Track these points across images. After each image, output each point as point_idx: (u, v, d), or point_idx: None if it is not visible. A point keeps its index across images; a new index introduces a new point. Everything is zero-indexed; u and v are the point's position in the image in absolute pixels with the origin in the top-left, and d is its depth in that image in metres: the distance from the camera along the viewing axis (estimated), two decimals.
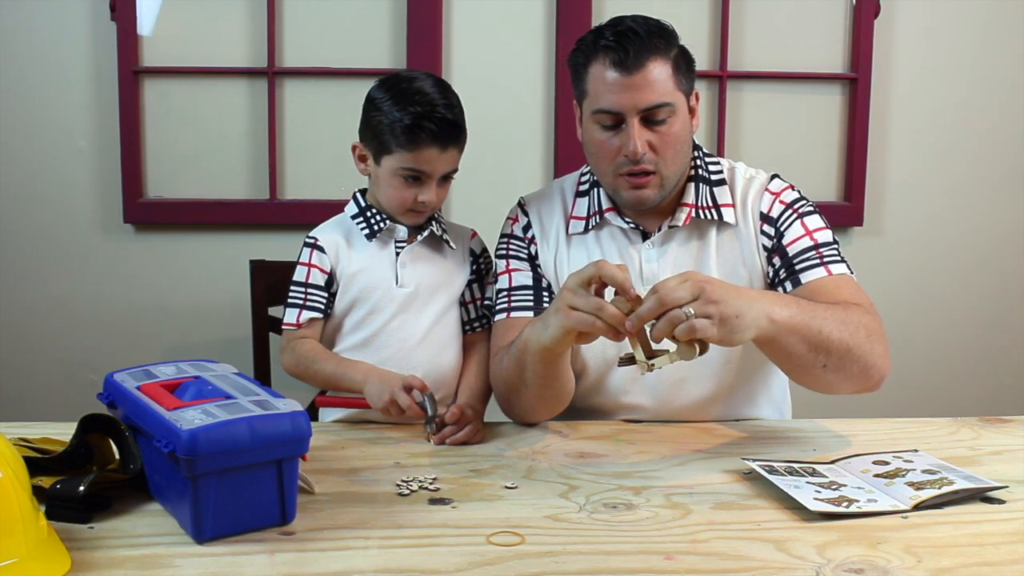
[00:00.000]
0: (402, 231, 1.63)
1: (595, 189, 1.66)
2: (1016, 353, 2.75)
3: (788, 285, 1.57)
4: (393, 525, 1.17)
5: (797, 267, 1.56)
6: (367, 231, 1.63)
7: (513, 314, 1.64)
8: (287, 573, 1.05)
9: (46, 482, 1.16)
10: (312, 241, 1.65)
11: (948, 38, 2.61)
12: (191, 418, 1.10)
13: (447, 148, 1.56)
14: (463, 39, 2.49)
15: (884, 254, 2.65)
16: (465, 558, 1.08)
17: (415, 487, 1.29)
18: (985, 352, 2.74)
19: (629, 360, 1.34)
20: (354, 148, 1.64)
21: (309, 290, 1.63)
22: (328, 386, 1.63)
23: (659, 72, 1.50)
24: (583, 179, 1.70)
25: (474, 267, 1.70)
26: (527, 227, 1.70)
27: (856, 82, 2.56)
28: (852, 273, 1.58)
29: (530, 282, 1.66)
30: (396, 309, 1.62)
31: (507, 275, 1.67)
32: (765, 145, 2.58)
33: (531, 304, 1.64)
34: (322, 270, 1.63)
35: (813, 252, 1.57)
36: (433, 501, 1.25)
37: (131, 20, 2.39)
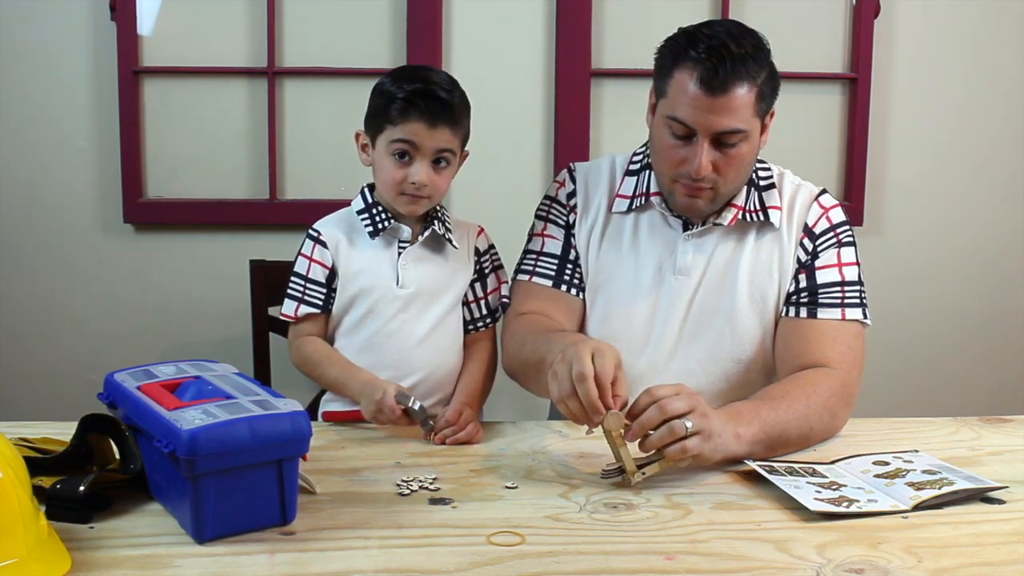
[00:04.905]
0: (406, 231, 1.62)
1: (646, 171, 1.67)
2: (1016, 353, 2.75)
3: (803, 312, 1.59)
4: (393, 525, 1.17)
5: (819, 300, 1.59)
6: (370, 228, 1.61)
7: (535, 279, 1.68)
8: (287, 573, 1.05)
9: (46, 482, 1.16)
10: (315, 235, 1.63)
11: (948, 38, 2.61)
12: (191, 418, 1.10)
13: (436, 124, 1.55)
14: (463, 39, 2.49)
15: (884, 254, 2.65)
16: (465, 558, 1.08)
17: (415, 487, 1.29)
18: (985, 352, 2.74)
19: (616, 471, 1.32)
20: (357, 136, 1.63)
21: (308, 285, 1.62)
22: (333, 390, 1.62)
23: (742, 99, 1.48)
24: (635, 158, 1.71)
25: (477, 266, 1.69)
26: (572, 194, 1.71)
27: (856, 82, 2.55)
28: (866, 318, 1.60)
29: (559, 251, 1.69)
30: (396, 310, 1.61)
31: (541, 238, 1.71)
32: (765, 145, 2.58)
33: (553, 273, 1.68)
34: (323, 265, 1.62)
35: (837, 289, 1.59)
36: (433, 501, 1.25)
37: (131, 20, 2.39)
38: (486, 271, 1.71)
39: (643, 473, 1.29)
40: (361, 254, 1.62)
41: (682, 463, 1.30)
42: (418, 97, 1.54)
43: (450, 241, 1.64)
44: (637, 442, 1.31)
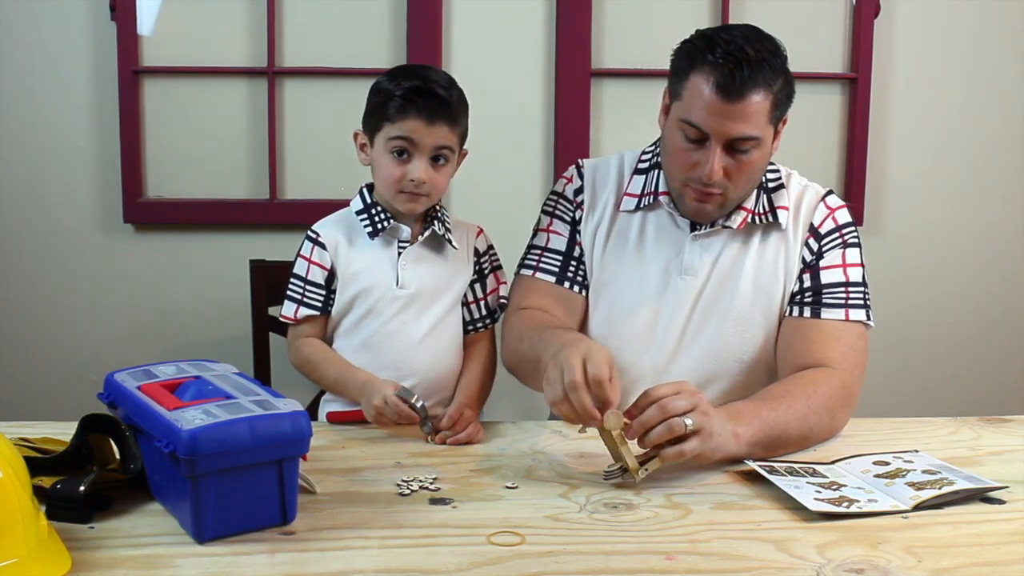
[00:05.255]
0: (405, 231, 1.62)
1: (655, 170, 1.67)
2: (1016, 353, 2.75)
3: (807, 311, 1.60)
4: (393, 525, 1.17)
5: (823, 300, 1.59)
6: (370, 228, 1.61)
7: (538, 274, 1.69)
8: (287, 573, 1.05)
9: (46, 482, 1.16)
10: (314, 236, 1.63)
11: (948, 38, 2.61)
12: (191, 418, 1.10)
13: (435, 122, 1.54)
14: (463, 39, 2.49)
15: (884, 254, 2.65)
16: (465, 558, 1.08)
17: (415, 487, 1.29)
18: (985, 352, 2.74)
19: (618, 471, 1.31)
20: (355, 136, 1.63)
21: (307, 287, 1.62)
22: (333, 391, 1.63)
23: (758, 107, 1.48)
24: (644, 156, 1.71)
25: (477, 267, 1.69)
26: (579, 191, 1.71)
27: (856, 82, 2.56)
28: (869, 319, 1.60)
29: (563, 248, 1.69)
30: (396, 310, 1.61)
31: (546, 234, 1.71)
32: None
33: (557, 270, 1.68)
34: (322, 267, 1.62)
35: (841, 290, 1.59)
36: (433, 501, 1.25)
37: (131, 20, 2.39)
38: (485, 272, 1.70)
39: (645, 470, 1.29)
40: (360, 255, 1.62)
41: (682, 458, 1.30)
42: (416, 94, 1.54)
43: (450, 241, 1.64)
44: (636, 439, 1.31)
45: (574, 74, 2.49)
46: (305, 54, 2.47)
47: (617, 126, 2.53)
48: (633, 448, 1.31)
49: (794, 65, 2.45)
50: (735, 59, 1.45)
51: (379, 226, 1.61)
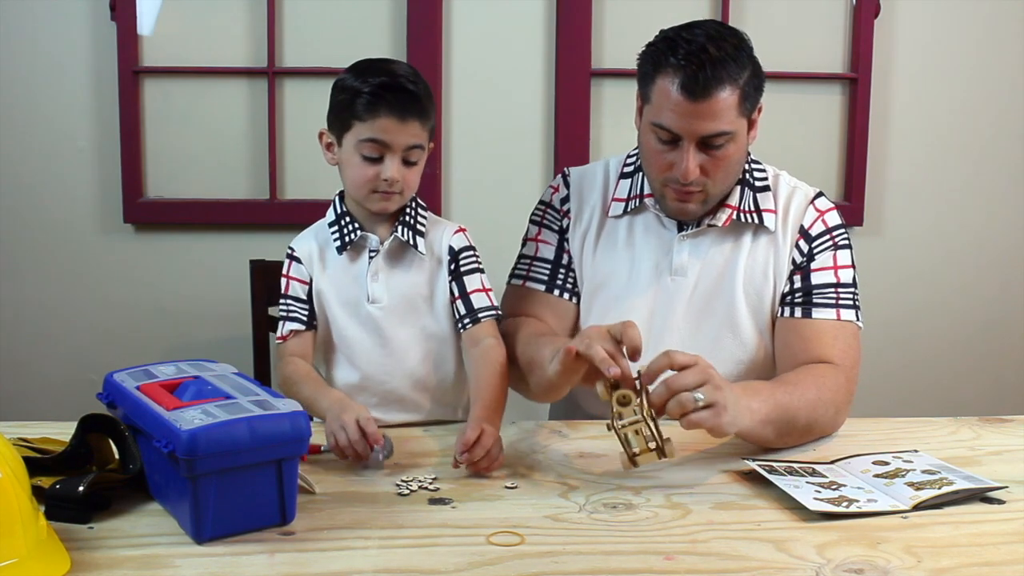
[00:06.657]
0: (374, 240, 1.56)
1: (640, 173, 1.67)
2: (1016, 353, 2.75)
3: (798, 312, 1.59)
4: (393, 525, 1.17)
5: (814, 300, 1.59)
6: (339, 243, 1.56)
7: (528, 283, 1.69)
8: (287, 573, 1.05)
9: (46, 482, 1.16)
10: (290, 252, 1.60)
11: (948, 38, 2.61)
12: (191, 418, 1.10)
13: (406, 119, 1.49)
14: (463, 39, 2.49)
15: (884, 254, 2.65)
16: (465, 558, 1.08)
17: (415, 487, 1.29)
18: (985, 352, 2.74)
19: (654, 450, 1.28)
20: (321, 135, 1.58)
21: (291, 303, 1.58)
22: (306, 409, 1.56)
23: (725, 102, 1.47)
24: (629, 160, 1.71)
25: (452, 265, 1.59)
26: (565, 199, 1.71)
27: (856, 82, 2.56)
28: (859, 320, 1.60)
29: (552, 256, 1.69)
30: (373, 326, 1.56)
31: (535, 243, 1.71)
32: (765, 145, 2.55)
33: (546, 278, 1.68)
34: (301, 281, 1.58)
35: (832, 290, 1.59)
36: (433, 501, 1.25)
37: (131, 20, 2.40)
38: (462, 269, 1.60)
39: (663, 454, 1.28)
40: (330, 272, 1.57)
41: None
42: (385, 91, 1.48)
43: (415, 246, 1.56)
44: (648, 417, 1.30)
45: (574, 74, 2.49)
46: (305, 54, 2.47)
47: (617, 126, 2.53)
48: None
49: (794, 65, 2.46)
50: (697, 59, 1.45)
51: (347, 239, 1.56)
